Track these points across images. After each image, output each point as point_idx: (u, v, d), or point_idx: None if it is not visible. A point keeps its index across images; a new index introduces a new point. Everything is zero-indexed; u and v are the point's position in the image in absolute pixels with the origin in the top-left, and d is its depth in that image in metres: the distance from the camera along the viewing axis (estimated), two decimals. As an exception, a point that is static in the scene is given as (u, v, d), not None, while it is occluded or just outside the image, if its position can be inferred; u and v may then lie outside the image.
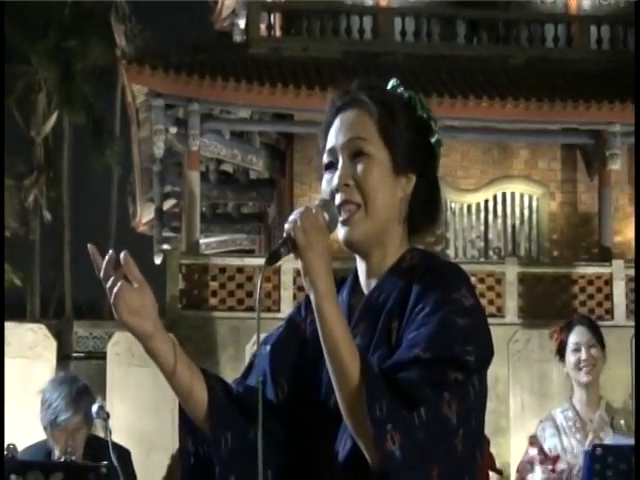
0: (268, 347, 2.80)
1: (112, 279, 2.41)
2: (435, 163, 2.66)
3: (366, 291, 2.64)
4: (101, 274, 2.45)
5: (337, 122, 2.64)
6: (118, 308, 2.39)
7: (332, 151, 2.61)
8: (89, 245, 2.56)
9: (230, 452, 2.57)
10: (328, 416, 2.50)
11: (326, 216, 2.42)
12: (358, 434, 2.32)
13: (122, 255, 2.46)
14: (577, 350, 5.70)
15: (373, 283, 2.62)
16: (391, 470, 2.25)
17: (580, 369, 5.68)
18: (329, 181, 2.59)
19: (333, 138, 2.62)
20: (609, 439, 5.62)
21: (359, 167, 2.54)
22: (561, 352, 5.80)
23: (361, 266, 2.67)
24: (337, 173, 2.56)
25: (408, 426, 2.26)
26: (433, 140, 2.63)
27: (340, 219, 2.52)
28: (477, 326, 2.45)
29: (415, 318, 2.43)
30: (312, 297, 2.38)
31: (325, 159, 2.64)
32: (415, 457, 2.26)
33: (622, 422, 5.66)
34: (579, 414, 5.67)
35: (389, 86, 2.76)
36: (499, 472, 2.79)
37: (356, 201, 2.53)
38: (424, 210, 2.65)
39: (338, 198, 2.54)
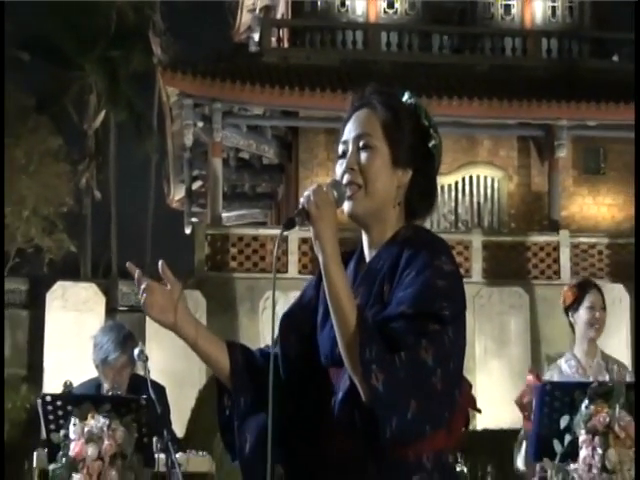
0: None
1: (143, 286, 2.64)
2: (433, 163, 2.75)
3: (368, 260, 2.71)
4: (136, 281, 2.68)
5: (352, 119, 2.72)
6: (146, 308, 2.68)
7: (345, 142, 2.70)
8: (128, 263, 2.83)
9: (245, 412, 2.70)
10: (332, 363, 2.56)
11: (335, 193, 2.52)
12: (353, 373, 2.38)
13: (160, 264, 2.73)
14: (592, 309, 5.66)
15: (374, 253, 2.68)
16: (376, 402, 2.32)
17: (592, 325, 5.65)
18: (341, 165, 2.67)
19: (347, 132, 2.70)
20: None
21: (363, 156, 2.63)
22: (573, 306, 5.76)
23: (365, 239, 2.74)
24: (346, 160, 2.65)
25: (390, 366, 2.33)
26: (431, 144, 2.72)
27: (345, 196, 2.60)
28: (453, 287, 2.51)
29: (403, 281, 2.49)
30: (320, 258, 2.47)
31: (339, 149, 2.71)
32: (395, 392, 2.32)
33: (615, 367, 5.65)
34: (580, 362, 5.63)
35: (404, 97, 2.80)
36: (479, 411, 2.82)
37: (358, 182, 2.61)
38: (421, 200, 2.72)
39: (345, 179, 2.62)
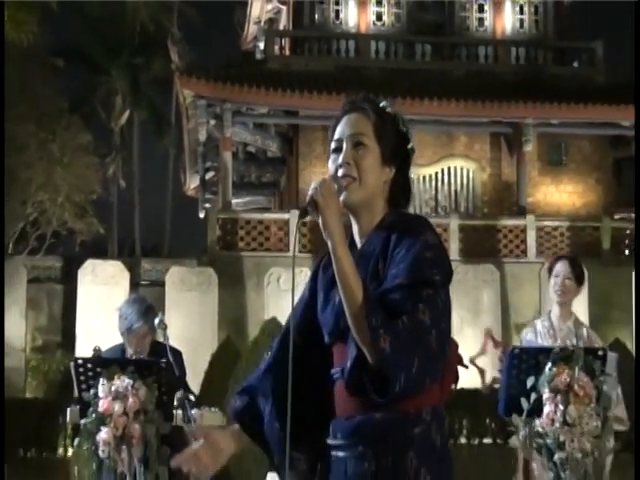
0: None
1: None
2: (409, 163, 2.80)
3: (359, 245, 2.74)
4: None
5: (344, 120, 2.76)
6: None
7: (339, 140, 2.73)
8: (172, 462, 2.89)
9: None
10: (336, 338, 2.65)
11: (335, 186, 2.59)
12: (362, 340, 2.44)
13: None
14: (557, 277, 5.71)
15: (364, 239, 2.73)
16: (385, 362, 2.38)
17: (555, 291, 5.69)
18: (334, 160, 2.71)
19: (340, 131, 2.74)
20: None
21: (358, 152, 2.69)
22: (548, 275, 5.84)
23: (355, 227, 2.77)
24: (342, 155, 2.68)
25: (394, 330, 2.40)
26: (409, 146, 2.78)
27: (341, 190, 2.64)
28: (439, 256, 2.59)
29: (395, 258, 2.56)
30: (329, 244, 2.51)
31: (333, 145, 2.75)
32: (401, 351, 2.39)
33: (584, 332, 5.66)
34: (553, 324, 5.66)
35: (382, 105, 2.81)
36: (466, 366, 2.85)
37: (354, 175, 2.66)
38: (402, 193, 2.78)
39: (340, 172, 2.67)
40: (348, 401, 2.60)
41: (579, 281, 5.81)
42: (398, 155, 2.76)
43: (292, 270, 2.83)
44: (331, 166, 2.72)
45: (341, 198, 2.64)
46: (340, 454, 2.62)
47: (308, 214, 2.54)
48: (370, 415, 2.53)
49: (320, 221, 2.50)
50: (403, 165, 2.77)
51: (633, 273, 21.96)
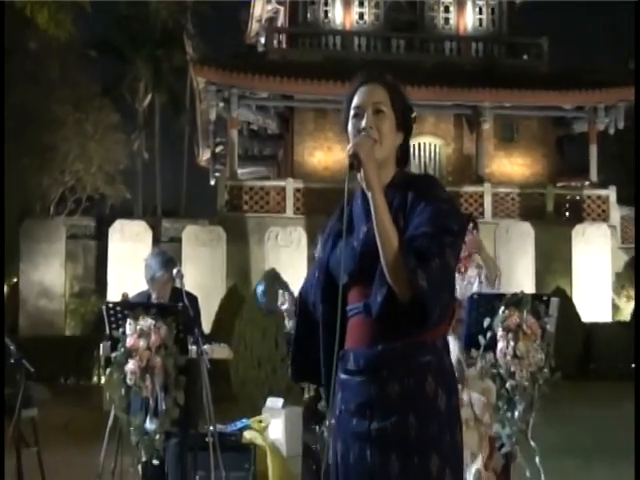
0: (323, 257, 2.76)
1: None
2: (412, 130, 2.77)
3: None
4: None
5: (363, 89, 2.69)
6: None
7: (360, 107, 2.66)
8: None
9: None
10: (351, 278, 2.57)
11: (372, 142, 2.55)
12: (395, 279, 2.40)
13: None
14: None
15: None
16: (421, 296, 2.35)
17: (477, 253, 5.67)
18: (355, 124, 2.64)
19: (360, 99, 2.67)
20: (484, 290, 5.69)
21: (379, 118, 2.63)
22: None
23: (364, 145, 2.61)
24: (364, 120, 2.62)
25: (430, 270, 2.38)
26: (412, 116, 2.77)
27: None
28: (454, 208, 2.62)
29: (416, 209, 2.51)
30: (370, 193, 2.47)
31: (353, 112, 2.68)
32: (435, 287, 2.37)
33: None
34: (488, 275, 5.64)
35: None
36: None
37: (375, 137, 2.58)
38: (405, 156, 2.75)
39: (363, 134, 2.59)
40: (369, 333, 2.52)
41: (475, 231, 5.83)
42: (406, 123, 2.73)
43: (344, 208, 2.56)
44: (352, 130, 2.65)
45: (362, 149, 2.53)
46: (360, 379, 2.50)
47: (354, 167, 2.45)
48: (392, 344, 2.47)
49: (361, 174, 2.46)
50: (408, 132, 2.74)
51: (573, 232, 22.05)
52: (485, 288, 5.42)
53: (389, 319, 2.45)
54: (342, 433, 2.52)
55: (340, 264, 2.53)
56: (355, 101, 2.68)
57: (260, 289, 5.15)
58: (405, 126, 2.72)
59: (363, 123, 2.61)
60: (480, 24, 28.18)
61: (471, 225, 5.70)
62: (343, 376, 2.55)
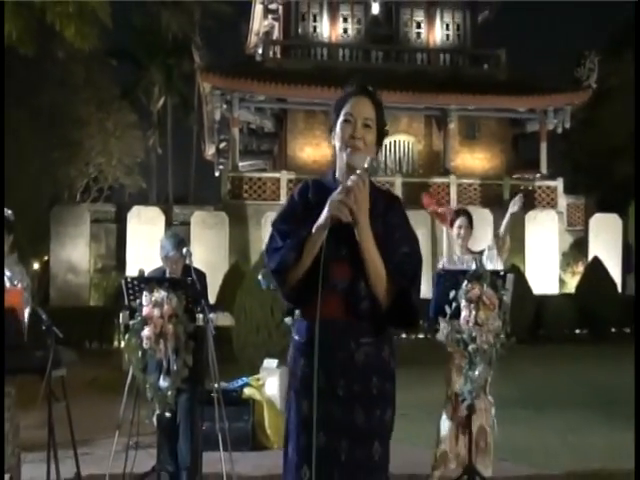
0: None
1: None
2: (381, 146, 2.72)
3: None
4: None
5: (356, 100, 2.63)
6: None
7: (352, 115, 2.59)
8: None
9: None
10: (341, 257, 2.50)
11: (374, 164, 2.49)
12: (380, 291, 2.46)
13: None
14: (459, 227, 5.66)
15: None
16: (415, 308, 2.53)
17: (458, 236, 5.66)
18: (345, 128, 2.58)
19: (353, 109, 2.60)
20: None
21: (366, 131, 2.58)
22: (452, 224, 5.74)
23: (355, 146, 2.59)
24: (356, 131, 2.57)
25: (417, 287, 2.54)
26: (386, 129, 2.70)
27: (348, 153, 2.55)
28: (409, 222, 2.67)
29: (391, 221, 2.57)
30: (358, 232, 2.43)
31: (344, 117, 2.60)
32: (419, 300, 2.53)
33: (477, 257, 5.62)
34: (459, 256, 5.62)
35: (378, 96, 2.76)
36: None
37: (361, 147, 2.55)
38: None
39: (351, 143, 2.55)
40: (346, 309, 2.48)
41: (471, 227, 5.82)
42: (381, 139, 2.67)
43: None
44: (341, 132, 2.58)
45: (347, 159, 2.54)
46: (330, 345, 2.43)
47: (342, 220, 2.38)
48: (362, 321, 2.49)
49: (352, 221, 2.40)
50: (380, 146, 2.69)
51: (526, 217, 22.10)
52: (491, 262, 5.55)
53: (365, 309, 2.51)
54: (309, 391, 2.41)
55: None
56: (348, 108, 2.60)
57: (260, 277, 5.15)
58: (380, 140, 2.67)
59: (354, 133, 2.56)
60: (447, 38, 28.10)
61: (466, 220, 5.73)
62: (319, 340, 2.41)
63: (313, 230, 2.44)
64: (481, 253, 5.72)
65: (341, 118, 2.60)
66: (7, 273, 5.23)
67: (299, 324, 2.59)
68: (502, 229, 5.94)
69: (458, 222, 5.73)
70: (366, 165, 2.45)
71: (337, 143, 2.61)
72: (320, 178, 2.69)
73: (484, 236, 21.48)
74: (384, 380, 2.50)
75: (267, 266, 2.64)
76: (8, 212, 5.30)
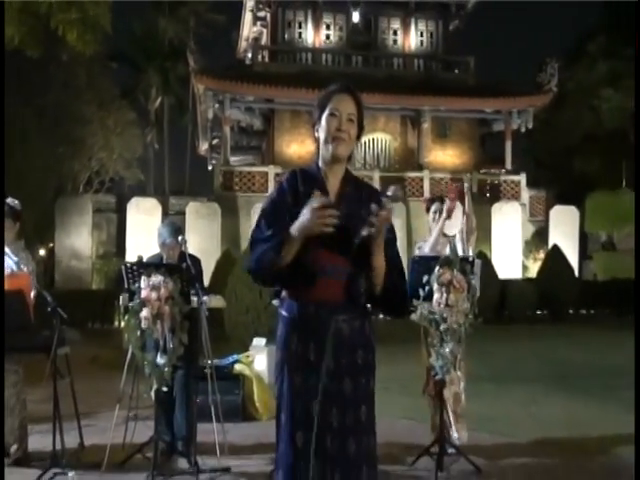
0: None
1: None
2: (359, 141, 2.70)
3: (335, 184, 2.61)
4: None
5: (340, 97, 2.61)
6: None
7: (337, 110, 2.57)
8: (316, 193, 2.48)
9: None
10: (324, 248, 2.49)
11: (398, 194, 2.54)
12: (384, 287, 2.54)
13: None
14: (434, 212, 5.64)
15: (337, 182, 2.61)
16: (406, 302, 2.96)
17: (434, 221, 5.61)
18: (330, 121, 2.57)
19: (339, 104, 2.59)
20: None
21: (350, 125, 2.58)
22: (427, 210, 5.70)
23: (335, 172, 2.61)
24: (341, 124, 2.57)
25: (404, 279, 2.70)
26: (364, 123, 2.67)
27: (334, 145, 2.55)
28: None
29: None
30: (375, 247, 2.44)
31: (329, 111, 2.58)
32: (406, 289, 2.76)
33: (452, 242, 5.61)
34: (434, 240, 5.58)
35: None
36: None
37: (345, 138, 2.55)
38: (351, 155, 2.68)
39: (338, 134, 2.55)
40: (338, 292, 2.48)
41: (427, 210, 5.79)
42: (361, 131, 2.65)
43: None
44: (327, 125, 2.55)
45: (336, 152, 2.55)
46: (320, 322, 2.45)
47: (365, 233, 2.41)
48: (352, 302, 2.51)
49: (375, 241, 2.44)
50: (359, 137, 2.67)
51: (492, 208, 22.17)
52: (462, 244, 5.55)
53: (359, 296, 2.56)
54: (301, 365, 2.46)
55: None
56: (334, 104, 2.58)
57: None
58: (359, 136, 2.67)
59: (337, 124, 2.55)
60: (421, 45, 28.07)
61: (440, 206, 5.64)
62: (310, 317, 2.47)
63: (294, 233, 2.40)
64: (454, 237, 5.72)
65: (327, 112, 2.57)
66: (14, 258, 5.18)
67: (288, 303, 2.56)
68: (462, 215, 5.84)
69: (433, 208, 5.72)
70: (390, 193, 2.45)
71: (322, 135, 2.58)
72: (306, 168, 2.67)
73: (455, 227, 21.49)
74: (367, 353, 2.54)
75: (249, 257, 2.63)
76: (15, 202, 5.25)
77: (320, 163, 2.62)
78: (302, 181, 2.59)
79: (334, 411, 2.43)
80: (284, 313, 2.56)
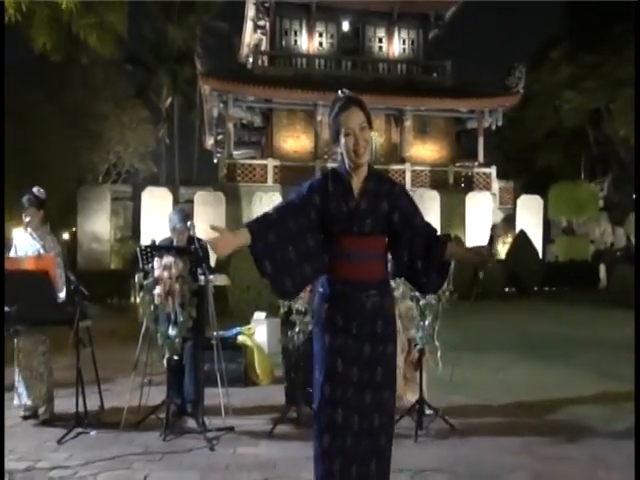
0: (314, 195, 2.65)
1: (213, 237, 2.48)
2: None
3: (359, 183, 2.67)
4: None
5: (349, 114, 2.62)
6: (215, 249, 2.50)
7: (350, 128, 2.60)
8: (210, 225, 2.56)
9: (267, 249, 2.59)
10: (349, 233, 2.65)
11: (496, 231, 2.76)
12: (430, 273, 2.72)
13: (210, 227, 2.52)
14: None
15: (361, 180, 2.67)
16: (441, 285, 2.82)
17: None
18: (348, 142, 2.61)
19: (350, 122, 2.61)
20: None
21: (363, 132, 2.62)
22: None
23: (359, 173, 2.67)
24: (357, 140, 2.60)
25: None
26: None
27: (356, 158, 2.62)
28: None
29: (402, 201, 2.69)
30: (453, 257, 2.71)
31: (344, 131, 2.61)
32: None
33: None
34: None
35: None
36: None
37: (363, 149, 2.62)
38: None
39: (357, 148, 2.60)
40: (371, 272, 2.63)
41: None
42: (371, 125, 2.68)
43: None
44: (346, 145, 2.60)
45: (359, 161, 2.62)
46: (350, 293, 2.62)
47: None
48: (371, 281, 2.63)
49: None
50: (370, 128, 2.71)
51: (466, 197, 22.16)
52: None
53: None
54: (330, 329, 2.62)
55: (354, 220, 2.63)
56: (346, 124, 2.61)
57: None
58: (370, 126, 2.72)
59: (354, 141, 2.60)
60: (403, 51, 27.89)
61: None
62: (339, 293, 2.63)
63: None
64: None
65: (343, 133, 2.63)
66: (40, 241, 5.15)
67: (323, 281, 2.69)
68: None
69: None
70: (491, 232, 2.64)
71: (344, 151, 2.65)
72: (337, 169, 2.72)
73: (433, 213, 21.53)
74: (387, 324, 2.67)
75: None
76: (41, 191, 5.22)
77: (347, 166, 2.68)
78: (332, 182, 2.67)
79: (354, 369, 2.61)
80: (320, 288, 2.71)
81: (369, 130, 2.62)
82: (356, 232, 2.60)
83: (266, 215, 2.61)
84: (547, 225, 23.42)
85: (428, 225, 2.71)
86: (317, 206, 2.63)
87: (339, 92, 2.71)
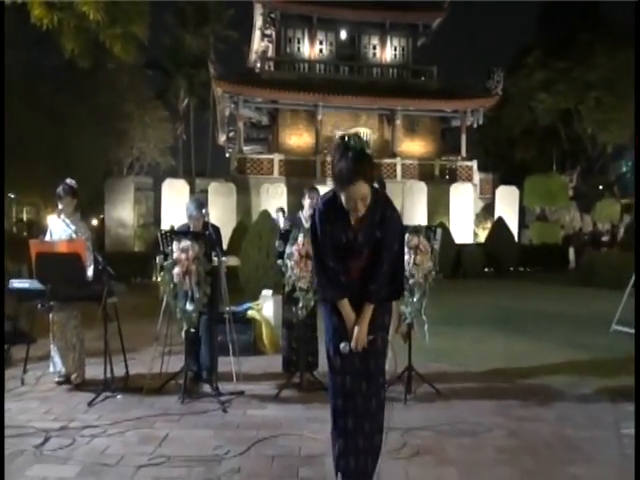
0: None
1: None
2: (384, 184, 2.91)
3: (357, 216, 2.72)
4: None
5: (355, 187, 2.61)
6: None
7: (351, 199, 2.63)
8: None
9: None
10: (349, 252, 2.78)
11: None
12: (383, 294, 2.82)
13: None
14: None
15: (362, 213, 2.71)
16: (402, 291, 2.95)
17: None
18: (348, 202, 2.65)
19: (352, 194, 2.62)
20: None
21: (362, 202, 2.65)
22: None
23: (357, 210, 2.68)
24: (357, 206, 2.65)
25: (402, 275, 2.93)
26: (381, 176, 2.94)
27: (353, 213, 2.70)
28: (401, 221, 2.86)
29: (387, 231, 2.73)
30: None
31: (346, 195, 2.63)
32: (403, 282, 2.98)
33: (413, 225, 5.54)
34: None
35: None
36: None
37: (360, 210, 2.68)
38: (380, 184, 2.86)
39: (355, 208, 2.66)
40: (358, 274, 2.81)
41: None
42: (383, 186, 2.78)
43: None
44: (346, 202, 2.64)
45: (352, 212, 2.67)
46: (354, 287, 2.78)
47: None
48: (369, 279, 2.76)
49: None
50: (382, 186, 2.77)
51: (451, 188, 22.06)
52: None
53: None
54: (335, 311, 2.82)
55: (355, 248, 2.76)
56: (351, 194, 2.62)
57: (276, 245, 4.96)
58: (380, 183, 2.78)
59: (354, 205, 2.63)
60: (395, 57, 27.63)
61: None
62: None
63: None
64: None
65: (345, 197, 2.63)
66: (72, 227, 5.15)
67: None
68: None
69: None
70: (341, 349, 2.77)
71: (344, 202, 2.65)
72: (338, 197, 2.69)
73: (420, 202, 21.45)
74: (383, 314, 2.86)
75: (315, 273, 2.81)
76: (73, 182, 5.21)
77: (344, 203, 2.69)
78: (334, 214, 2.72)
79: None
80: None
81: (367, 200, 2.64)
82: (354, 255, 2.76)
83: (335, 274, 2.73)
84: (522, 212, 23.34)
85: (382, 266, 2.72)
86: (329, 233, 2.75)
87: (346, 138, 2.67)
